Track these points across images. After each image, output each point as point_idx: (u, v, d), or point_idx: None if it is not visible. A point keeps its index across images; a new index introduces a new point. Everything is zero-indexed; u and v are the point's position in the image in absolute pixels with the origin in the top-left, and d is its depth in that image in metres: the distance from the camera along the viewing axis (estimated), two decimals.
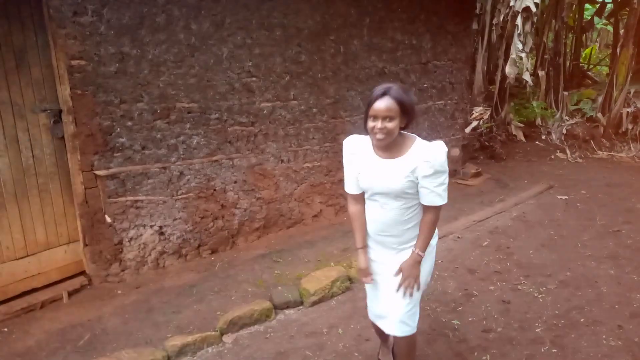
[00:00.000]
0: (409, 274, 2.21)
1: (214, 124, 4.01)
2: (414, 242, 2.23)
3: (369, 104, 2.05)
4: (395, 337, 2.39)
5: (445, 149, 2.10)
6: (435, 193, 2.09)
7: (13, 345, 3.01)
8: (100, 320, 3.27)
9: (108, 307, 3.43)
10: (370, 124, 2.06)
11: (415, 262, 2.20)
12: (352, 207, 2.35)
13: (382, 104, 2.01)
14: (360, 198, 2.31)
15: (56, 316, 3.32)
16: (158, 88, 3.66)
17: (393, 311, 2.28)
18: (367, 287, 2.46)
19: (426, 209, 2.17)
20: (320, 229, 4.77)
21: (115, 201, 3.62)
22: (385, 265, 2.30)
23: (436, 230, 2.29)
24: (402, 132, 2.13)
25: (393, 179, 2.10)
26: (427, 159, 2.05)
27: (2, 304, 3.33)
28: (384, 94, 2.02)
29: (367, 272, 2.37)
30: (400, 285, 2.23)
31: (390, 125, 2.02)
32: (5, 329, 3.17)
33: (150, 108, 3.66)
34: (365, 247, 2.35)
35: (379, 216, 2.23)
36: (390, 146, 2.11)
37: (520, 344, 2.96)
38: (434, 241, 2.33)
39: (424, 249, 2.19)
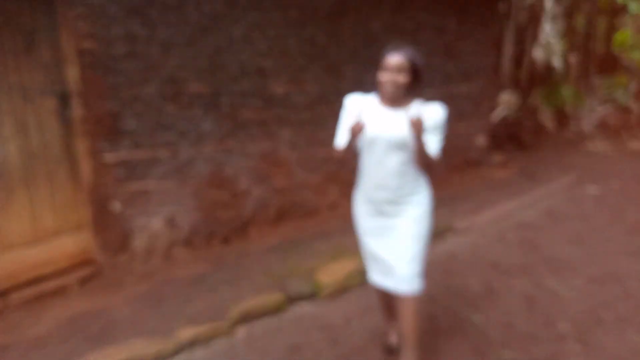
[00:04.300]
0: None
1: (226, 109, 3.95)
2: (408, 198, 2.39)
3: (383, 59, 2.28)
4: (401, 300, 2.46)
5: (445, 109, 2.35)
6: (434, 146, 2.30)
7: (25, 332, 3.00)
8: (111, 309, 3.25)
9: (118, 295, 3.40)
10: (382, 76, 2.28)
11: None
12: (341, 153, 2.48)
13: (394, 59, 2.24)
14: (349, 152, 2.46)
15: (67, 304, 3.31)
16: (168, 71, 3.60)
17: (400, 262, 2.40)
18: (367, 249, 2.58)
19: None
20: (335, 219, 4.68)
21: (124, 188, 3.59)
22: (383, 225, 2.46)
23: (430, 191, 2.50)
24: (408, 92, 2.33)
25: (398, 126, 2.29)
26: (430, 112, 2.29)
27: (14, 291, 3.32)
28: (397, 50, 2.26)
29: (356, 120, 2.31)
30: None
31: (399, 78, 2.24)
32: (17, 316, 3.17)
33: (160, 91, 3.61)
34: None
35: (378, 168, 2.39)
36: (396, 100, 2.33)
37: (544, 341, 2.89)
38: (428, 205, 2.48)
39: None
